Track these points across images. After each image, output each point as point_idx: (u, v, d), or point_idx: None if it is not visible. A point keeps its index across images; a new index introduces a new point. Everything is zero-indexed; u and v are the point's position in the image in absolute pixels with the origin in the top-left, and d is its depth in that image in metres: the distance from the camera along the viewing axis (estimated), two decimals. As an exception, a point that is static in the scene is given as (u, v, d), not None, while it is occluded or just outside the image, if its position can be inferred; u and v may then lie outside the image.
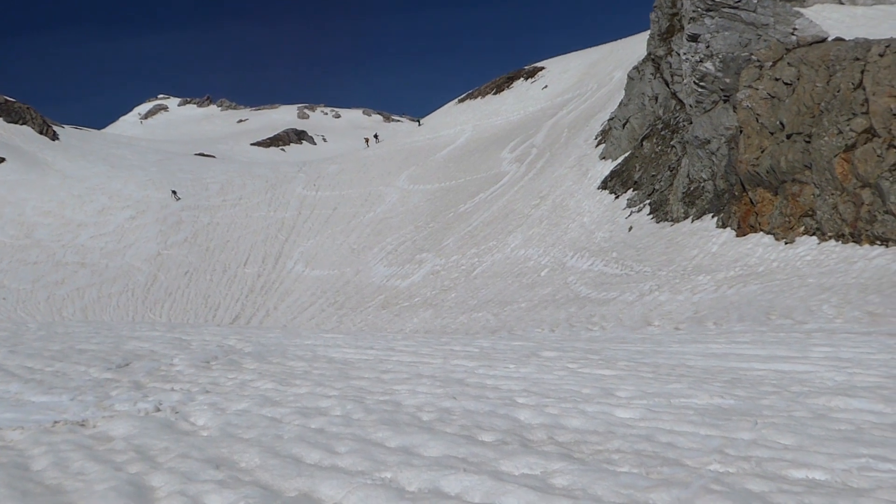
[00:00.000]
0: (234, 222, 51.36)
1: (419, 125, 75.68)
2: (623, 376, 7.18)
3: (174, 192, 56.18)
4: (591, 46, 75.06)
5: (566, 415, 5.53)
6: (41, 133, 73.74)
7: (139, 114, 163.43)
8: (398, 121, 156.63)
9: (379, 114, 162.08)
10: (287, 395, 6.66)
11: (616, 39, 70.23)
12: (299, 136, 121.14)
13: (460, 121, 70.39)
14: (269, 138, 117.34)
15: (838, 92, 16.16)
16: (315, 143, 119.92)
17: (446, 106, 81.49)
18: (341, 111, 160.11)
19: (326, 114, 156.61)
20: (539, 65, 76.05)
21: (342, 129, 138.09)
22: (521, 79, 73.82)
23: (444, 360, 8.69)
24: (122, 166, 65.78)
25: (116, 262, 45.92)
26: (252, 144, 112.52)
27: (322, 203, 52.66)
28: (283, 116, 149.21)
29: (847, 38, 18.20)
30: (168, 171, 63.90)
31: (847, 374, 6.82)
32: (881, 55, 15.51)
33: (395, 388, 6.81)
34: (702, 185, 22.22)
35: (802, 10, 21.60)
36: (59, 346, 9.90)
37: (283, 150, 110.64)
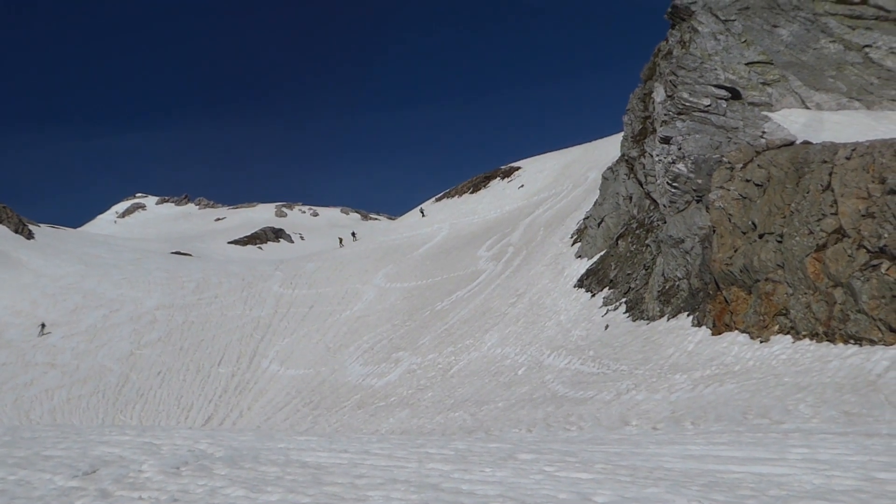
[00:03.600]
0: (209, 321, 50.94)
1: (423, 216, 75.02)
2: (600, 480, 7.11)
3: (42, 326, 50.39)
4: (566, 147, 76.82)
5: (542, 521, 5.45)
6: (17, 232, 73.58)
7: (116, 212, 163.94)
8: (376, 219, 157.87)
9: (357, 212, 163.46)
10: (258, 502, 6.53)
11: (590, 141, 72.02)
12: (277, 234, 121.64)
13: (438, 219, 71.07)
14: (246, 236, 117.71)
15: (808, 193, 16.58)
16: (293, 242, 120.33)
17: (424, 204, 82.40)
18: (319, 209, 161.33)
19: (304, 212, 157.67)
20: (515, 165, 77.50)
21: (320, 227, 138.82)
22: (498, 178, 75.11)
23: (420, 463, 8.57)
24: (97, 265, 65.51)
25: (87, 363, 45.19)
26: (229, 243, 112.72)
27: (298, 301, 52.48)
28: (261, 215, 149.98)
29: (814, 142, 18.78)
30: (144, 270, 63.65)
31: (825, 477, 6.80)
32: (848, 158, 15.99)
33: (368, 495, 6.69)
34: (677, 283, 22.43)
35: (770, 115, 22.30)
36: (24, 453, 9.67)
37: (260, 248, 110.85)
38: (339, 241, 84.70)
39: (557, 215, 46.43)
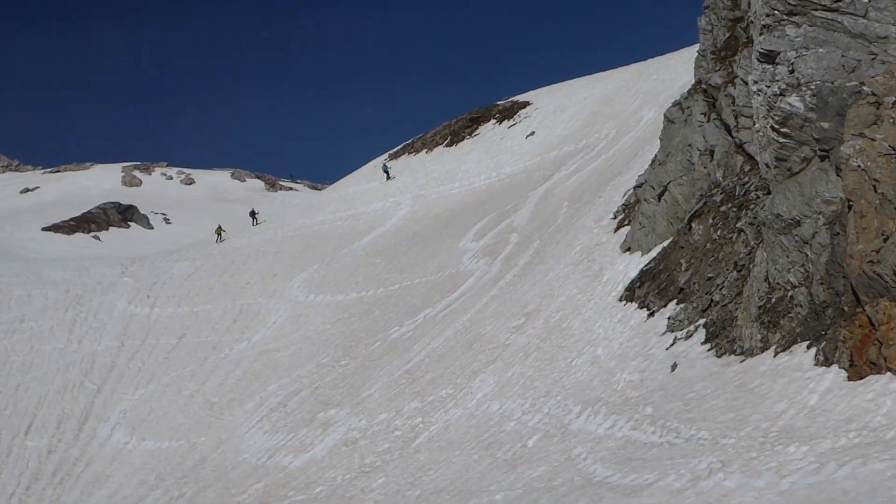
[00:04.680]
0: (10, 361, 50.59)
1: (388, 177, 75.00)
2: None
3: None
4: (602, 70, 76.97)
5: None
6: None
7: None
8: (290, 188, 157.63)
9: (258, 177, 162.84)
10: None
11: (642, 59, 72.15)
12: (125, 214, 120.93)
13: (393, 189, 71.13)
14: (73, 219, 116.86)
15: None
16: (151, 227, 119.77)
17: (371, 164, 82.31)
18: (195, 173, 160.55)
19: (171, 177, 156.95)
20: (521, 98, 77.69)
21: (196, 201, 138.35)
22: (492, 121, 75.25)
23: None
24: None
25: None
26: (44, 229, 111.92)
27: (161, 327, 52.29)
28: (99, 183, 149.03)
29: None
30: None
31: None
32: None
33: None
34: (789, 293, 22.40)
35: (940, 14, 22.26)
36: None
37: (96, 237, 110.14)
38: (217, 231, 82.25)
39: (591, 182, 46.46)
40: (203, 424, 40.78)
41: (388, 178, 74.91)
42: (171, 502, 34.69)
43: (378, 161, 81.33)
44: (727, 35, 29.74)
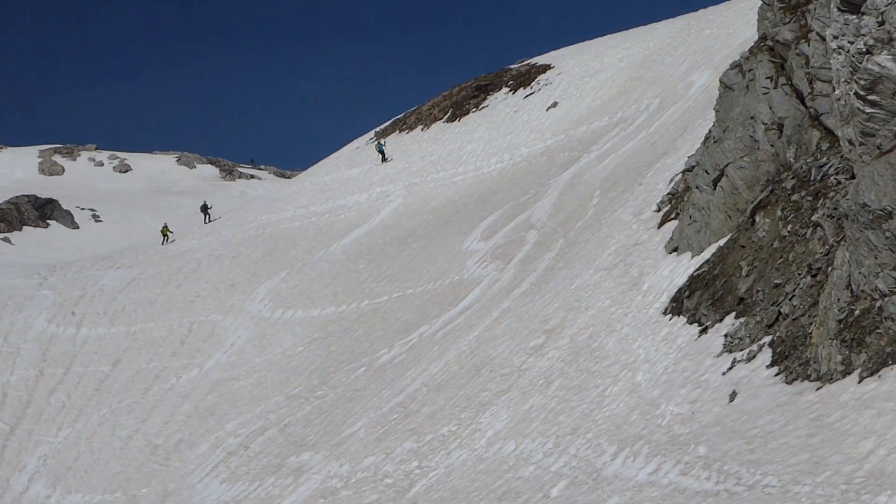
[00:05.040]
0: None
1: (384, 159, 75.77)
2: None
3: None
4: (643, 24, 77.16)
5: None
6: None
7: None
8: (252, 176, 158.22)
9: (211, 162, 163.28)
10: None
11: (693, 10, 72.35)
12: (43, 210, 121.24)
13: (381, 176, 71.24)
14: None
15: None
16: (76, 226, 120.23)
17: (352, 145, 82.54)
18: (132, 158, 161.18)
19: (101, 163, 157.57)
20: (540, 61, 77.77)
21: (133, 194, 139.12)
22: (504, 89, 75.35)
23: None
24: None
25: None
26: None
27: (90, 352, 52.32)
28: (10, 170, 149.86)
29: None
30: None
31: None
32: None
33: None
34: (878, 304, 22.10)
35: None
36: None
37: (6, 239, 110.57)
38: (162, 232, 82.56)
39: (628, 165, 46.50)
40: (144, 473, 40.69)
41: (384, 159, 75.24)
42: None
43: (362, 142, 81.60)
44: (798, -20, 29.55)
